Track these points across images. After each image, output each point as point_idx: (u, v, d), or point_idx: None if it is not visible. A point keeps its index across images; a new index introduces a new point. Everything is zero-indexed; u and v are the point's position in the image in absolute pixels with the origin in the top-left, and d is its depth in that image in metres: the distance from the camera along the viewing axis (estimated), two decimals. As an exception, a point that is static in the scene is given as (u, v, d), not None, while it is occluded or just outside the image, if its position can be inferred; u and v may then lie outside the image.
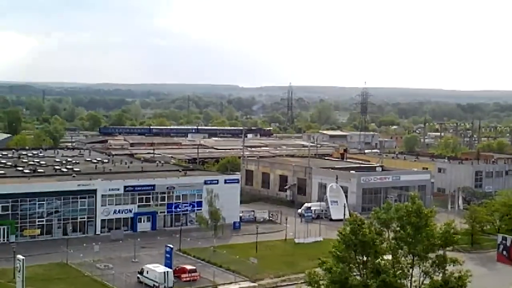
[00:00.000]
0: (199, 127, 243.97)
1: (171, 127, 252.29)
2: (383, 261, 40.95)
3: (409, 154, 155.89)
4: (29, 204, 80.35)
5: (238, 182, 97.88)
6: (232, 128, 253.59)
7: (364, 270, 40.43)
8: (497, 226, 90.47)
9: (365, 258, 40.65)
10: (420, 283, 41.77)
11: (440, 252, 42.41)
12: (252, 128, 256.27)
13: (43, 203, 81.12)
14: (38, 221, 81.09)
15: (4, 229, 78.50)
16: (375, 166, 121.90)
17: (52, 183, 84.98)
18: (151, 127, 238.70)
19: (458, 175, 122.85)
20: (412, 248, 41.86)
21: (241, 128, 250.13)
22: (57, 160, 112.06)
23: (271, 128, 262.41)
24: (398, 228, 42.88)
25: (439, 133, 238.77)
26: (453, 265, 41.90)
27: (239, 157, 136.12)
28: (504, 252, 66.30)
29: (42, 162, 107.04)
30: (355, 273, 40.44)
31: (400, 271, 41.39)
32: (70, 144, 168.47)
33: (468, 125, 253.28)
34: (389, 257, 42.15)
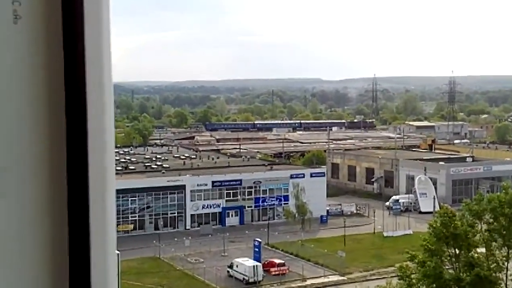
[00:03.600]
0: (302, 121, 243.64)
1: (273, 121, 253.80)
2: (476, 254, 39.96)
3: (501, 144, 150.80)
4: (122, 200, 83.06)
5: (324, 176, 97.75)
6: (334, 121, 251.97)
7: (457, 264, 39.60)
8: None
9: (457, 251, 39.81)
10: (517, 276, 40.53)
11: (537, 244, 40.98)
12: (354, 121, 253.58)
13: (135, 199, 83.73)
14: (131, 217, 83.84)
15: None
16: (465, 157, 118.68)
17: (143, 180, 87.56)
18: (255, 122, 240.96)
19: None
20: (507, 240, 40.68)
21: (343, 121, 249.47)
22: (147, 157, 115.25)
23: (373, 120, 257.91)
24: (491, 220, 41.71)
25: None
26: (552, 258, 40.42)
27: (325, 151, 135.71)
28: None
29: (133, 159, 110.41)
30: (447, 267, 39.70)
31: (495, 264, 40.26)
32: (158, 141, 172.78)
33: None
34: (483, 250, 41.08)
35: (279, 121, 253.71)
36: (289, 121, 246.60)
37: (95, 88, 1.72)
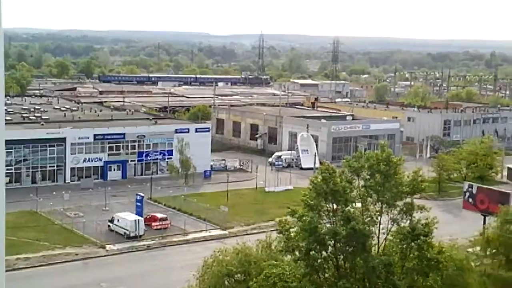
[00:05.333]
0: (197, 76, 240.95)
1: (171, 75, 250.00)
2: (352, 209, 41.38)
3: (379, 103, 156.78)
4: (-3, 152, 79.13)
5: (208, 131, 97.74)
6: (232, 77, 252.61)
7: (334, 218, 40.87)
8: (464, 174, 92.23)
9: (335, 206, 41.04)
10: (388, 230, 42.40)
11: (408, 199, 42.96)
12: (250, 76, 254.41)
13: (11, 151, 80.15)
14: (7, 169, 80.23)
15: (-29, 177, 77.50)
16: (346, 115, 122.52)
17: (20, 131, 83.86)
18: (149, 75, 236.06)
19: (427, 124, 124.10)
20: (381, 196, 42.28)
21: (239, 76, 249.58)
22: (24, 107, 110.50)
23: (268, 77, 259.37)
24: (368, 177, 43.20)
25: (409, 82, 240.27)
26: (420, 212, 42.51)
27: (210, 106, 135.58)
28: (470, 200, 67.44)
29: (9, 110, 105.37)
30: (325, 221, 40.88)
31: (369, 218, 41.86)
32: (37, 91, 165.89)
33: (438, 74, 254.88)
34: (359, 205, 42.58)
35: (178, 75, 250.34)
36: (190, 76, 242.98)
37: None
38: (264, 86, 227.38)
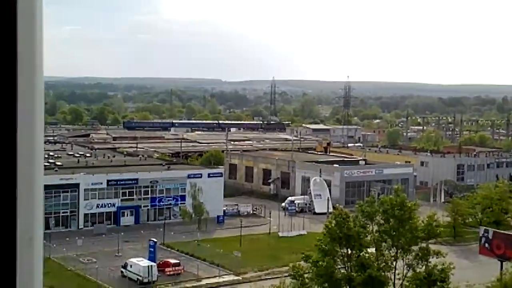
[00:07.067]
0: (220, 122, 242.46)
1: (192, 121, 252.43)
2: (367, 254, 41.13)
3: (392, 148, 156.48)
4: (11, 198, 79.48)
5: (221, 176, 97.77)
6: (251, 122, 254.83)
7: (348, 263, 40.60)
8: (479, 219, 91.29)
9: (349, 251, 40.82)
10: (404, 275, 42.02)
11: (423, 244, 42.67)
12: (272, 122, 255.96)
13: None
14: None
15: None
16: (358, 160, 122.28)
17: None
18: (173, 121, 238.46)
19: (440, 169, 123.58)
20: (396, 241, 42.11)
21: (260, 122, 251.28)
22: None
23: (289, 122, 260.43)
24: (382, 221, 43.07)
25: (421, 127, 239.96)
26: (436, 258, 42.19)
27: (223, 151, 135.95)
28: (486, 245, 66.66)
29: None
30: (339, 266, 40.61)
31: (384, 264, 41.63)
32: (52, 138, 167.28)
33: (450, 119, 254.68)
34: (373, 250, 42.31)
35: (202, 121, 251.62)
36: (213, 122, 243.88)
37: (26, 90, 1.64)
38: (277, 131, 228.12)
